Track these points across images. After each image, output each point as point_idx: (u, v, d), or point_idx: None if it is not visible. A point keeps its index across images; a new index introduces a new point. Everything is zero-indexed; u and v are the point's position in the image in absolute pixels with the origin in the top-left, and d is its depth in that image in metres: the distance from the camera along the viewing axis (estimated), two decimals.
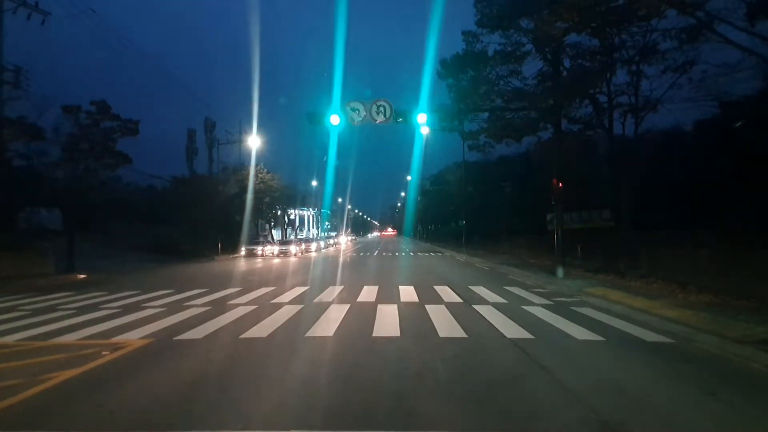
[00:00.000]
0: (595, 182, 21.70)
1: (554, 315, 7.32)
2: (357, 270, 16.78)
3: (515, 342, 5.55)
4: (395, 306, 8.36)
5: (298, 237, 51.51)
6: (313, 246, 34.49)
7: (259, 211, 35.39)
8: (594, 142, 20.21)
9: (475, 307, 8.23)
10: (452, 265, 19.10)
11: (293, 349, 5.35)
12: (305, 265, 19.88)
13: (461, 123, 12.84)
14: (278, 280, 13.68)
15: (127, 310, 8.45)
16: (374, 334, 5.96)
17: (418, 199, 75.45)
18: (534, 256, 20.64)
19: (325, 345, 5.50)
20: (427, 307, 8.25)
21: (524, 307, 8.14)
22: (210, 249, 27.92)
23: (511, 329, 6.21)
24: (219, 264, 22.44)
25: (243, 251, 27.69)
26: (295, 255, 26.18)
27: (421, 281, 12.59)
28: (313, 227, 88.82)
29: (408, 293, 10.14)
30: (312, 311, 8.03)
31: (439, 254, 29.00)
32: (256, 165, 33.28)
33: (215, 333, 6.22)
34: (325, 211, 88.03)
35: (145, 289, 11.71)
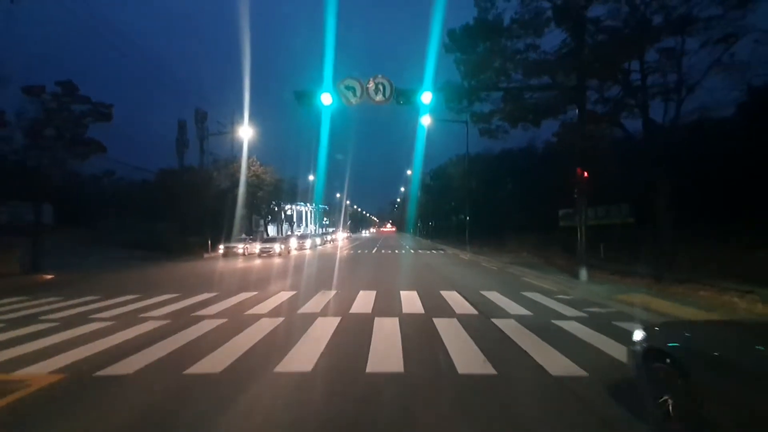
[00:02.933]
0: (607, 174, 20.20)
1: (597, 334, 5.76)
2: (353, 271, 15.22)
3: (565, 383, 3.99)
4: (396, 320, 6.79)
5: (295, 233, 49.96)
6: (308, 243, 32.70)
7: (252, 206, 33.80)
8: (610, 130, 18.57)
9: (495, 321, 6.66)
10: (457, 265, 17.55)
11: (252, 395, 3.78)
12: (297, 264, 18.28)
13: (471, 104, 11.26)
14: (265, 282, 12.12)
15: (68, 324, 6.88)
16: (369, 369, 4.38)
17: (418, 194, 74.04)
18: (545, 255, 19.10)
19: (298, 388, 3.93)
20: (435, 321, 6.69)
21: (555, 322, 6.58)
22: (200, 246, 26.36)
23: (552, 360, 4.64)
24: (205, 263, 20.92)
25: (221, 249, 24.92)
26: (279, 255, 23.37)
27: (425, 285, 11.04)
28: (311, 223, 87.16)
29: (411, 301, 8.58)
30: (293, 327, 6.46)
31: (441, 252, 27.45)
32: (249, 157, 31.66)
33: (154, 365, 4.64)
34: (323, 206, 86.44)
35: (109, 294, 10.17)
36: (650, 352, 2.95)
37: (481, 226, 30.54)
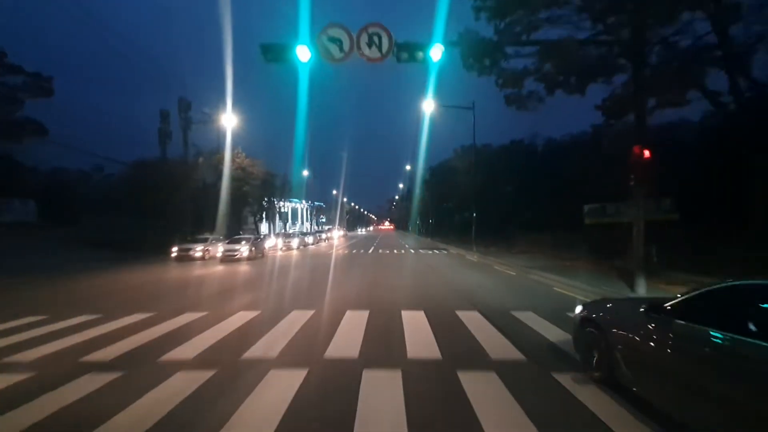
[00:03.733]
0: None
1: None
2: (343, 278, 12.55)
3: None
4: (398, 377, 4.17)
5: (280, 231, 47.23)
6: (295, 242, 29.44)
7: (239, 202, 31.00)
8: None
9: (561, 380, 4.03)
10: (467, 269, 14.90)
11: None
12: (273, 270, 15.17)
13: (496, 61, 8.60)
14: (224, 295, 9.44)
15: None
16: None
17: (417, 192, 71.30)
18: (566, 258, 16.49)
19: None
20: (463, 379, 4.07)
21: None
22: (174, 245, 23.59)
23: None
24: (172, 267, 17.89)
25: (174, 252, 19.66)
26: (249, 258, 18.31)
27: (434, 300, 8.40)
28: (307, 221, 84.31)
29: (418, 332, 5.93)
30: (221, 396, 3.80)
31: (444, 252, 24.80)
32: (234, 149, 28.91)
33: None
34: (318, 203, 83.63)
35: (16, 311, 7.55)
36: (584, 320, 4.23)
37: (486, 225, 27.97)
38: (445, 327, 6.22)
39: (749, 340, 2.42)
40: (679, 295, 3.27)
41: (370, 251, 26.46)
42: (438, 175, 45.71)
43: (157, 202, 23.38)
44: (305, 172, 51.79)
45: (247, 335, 5.91)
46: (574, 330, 4.43)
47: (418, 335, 5.77)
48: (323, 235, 43.71)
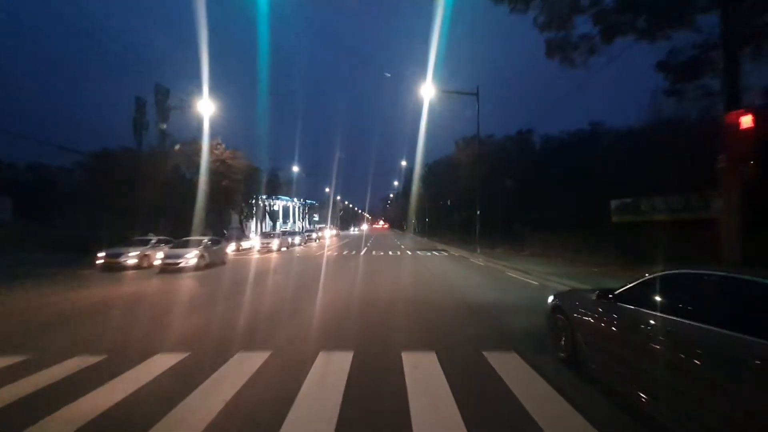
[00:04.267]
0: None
1: None
2: (322, 294, 9.83)
3: None
4: None
5: (260, 230, 44.60)
6: (274, 243, 25.83)
7: (220, 198, 28.27)
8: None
9: None
10: (477, 276, 12.48)
11: None
12: (231, 282, 11.53)
13: None
14: (142, 324, 6.82)
15: None
16: None
17: (414, 189, 68.86)
18: (593, 262, 14.14)
19: None
20: None
21: None
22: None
23: None
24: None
25: (100, 259, 15.10)
26: (200, 268, 14.34)
27: (448, 330, 5.97)
28: (299, 219, 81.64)
29: (432, 402, 3.45)
30: None
31: (445, 254, 22.40)
32: (212, 139, 26.23)
33: None
34: (310, 201, 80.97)
35: None
36: (554, 309, 4.74)
37: (489, 223, 25.63)
38: (473, 386, 3.78)
39: (674, 318, 2.89)
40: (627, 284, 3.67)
41: (362, 253, 23.97)
42: (436, 171, 43.32)
43: (120, 196, 20.65)
44: (295, 168, 49.16)
45: (149, 405, 3.40)
46: (546, 318, 4.93)
47: (432, 407, 3.31)
48: (314, 235, 41.08)
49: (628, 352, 3.27)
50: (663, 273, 3.28)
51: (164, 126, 29.11)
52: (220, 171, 26.43)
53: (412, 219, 68.73)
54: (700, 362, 2.54)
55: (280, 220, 77.39)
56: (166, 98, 29.68)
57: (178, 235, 21.40)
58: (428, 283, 11.32)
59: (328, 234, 49.49)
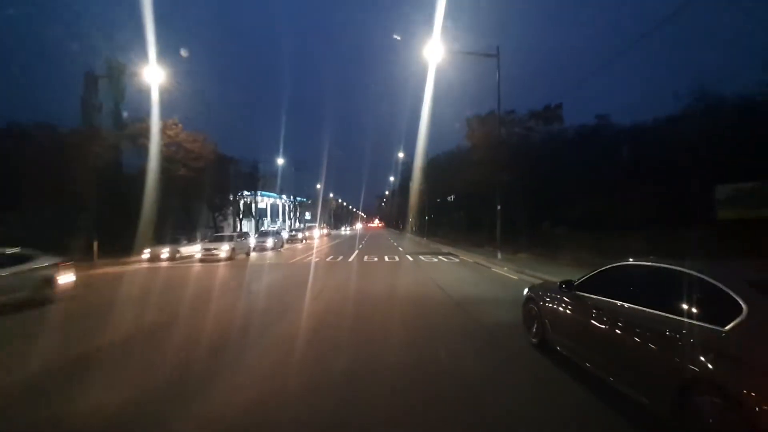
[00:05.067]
0: None
1: None
2: (286, 330, 5.83)
3: None
4: None
5: (237, 230, 39.63)
6: (224, 249, 18.72)
7: (174, 191, 23.10)
8: None
9: None
10: (517, 298, 7.76)
11: None
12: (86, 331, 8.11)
13: None
14: None
15: None
16: None
17: (416, 177, 63.94)
18: None
19: None
20: None
21: None
22: (85, 249, 16.00)
23: None
24: None
25: None
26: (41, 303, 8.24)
27: None
28: (291, 218, 76.36)
29: None
30: None
31: (455, 261, 17.68)
32: (166, 120, 21.29)
33: None
34: (301, 198, 75.71)
35: None
36: (528, 299, 5.23)
37: (505, 221, 20.98)
38: None
39: (615, 301, 3.43)
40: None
41: (352, 257, 19.20)
42: (439, 163, 38.51)
43: (32, 185, 15.73)
44: (280, 161, 44.19)
45: None
46: (522, 308, 5.44)
47: None
48: (299, 235, 36.10)
49: (579, 330, 3.87)
50: (613, 265, 3.81)
51: (120, 107, 24.27)
52: (176, 158, 21.49)
53: (410, 217, 63.89)
54: (628, 334, 3.12)
55: (268, 218, 72.34)
56: (121, 74, 24.81)
57: (109, 239, 16.56)
58: (449, 315, 6.64)
59: (317, 234, 44.40)
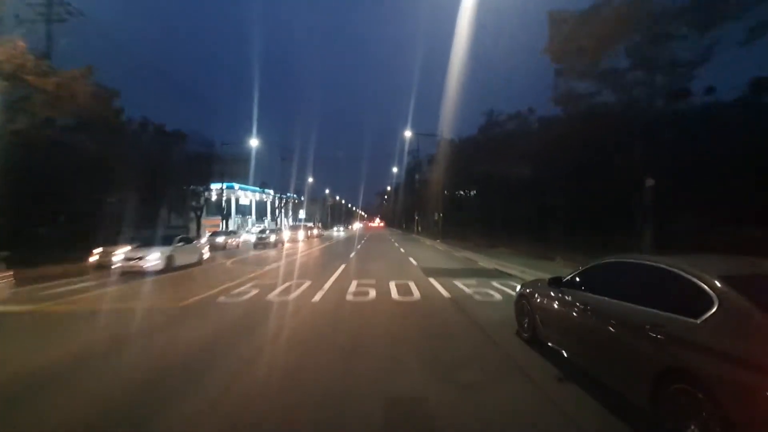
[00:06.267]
0: None
1: None
2: None
3: None
4: None
5: (219, 230, 30.48)
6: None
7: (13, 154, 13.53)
8: None
9: None
10: None
11: None
12: None
13: None
14: None
15: None
16: None
17: (417, 178, 54.73)
18: None
19: None
20: None
21: None
22: None
23: None
24: None
25: None
26: None
27: None
28: (282, 216, 67.09)
29: None
30: None
31: (510, 282, 8.58)
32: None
33: None
34: (289, 194, 66.37)
35: None
36: (520, 296, 5.43)
37: (577, 220, 11.89)
38: None
39: (599, 296, 3.58)
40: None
41: (326, 288, 10.00)
42: (464, 149, 29.39)
43: None
44: (253, 141, 35.01)
45: None
46: (515, 304, 5.58)
47: None
48: (272, 238, 26.77)
49: (566, 323, 4.05)
50: (598, 262, 3.96)
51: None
52: (24, 107, 12.30)
53: (416, 216, 54.63)
54: (609, 328, 3.26)
55: (253, 216, 63.16)
56: None
57: None
58: None
59: (301, 236, 34.98)
